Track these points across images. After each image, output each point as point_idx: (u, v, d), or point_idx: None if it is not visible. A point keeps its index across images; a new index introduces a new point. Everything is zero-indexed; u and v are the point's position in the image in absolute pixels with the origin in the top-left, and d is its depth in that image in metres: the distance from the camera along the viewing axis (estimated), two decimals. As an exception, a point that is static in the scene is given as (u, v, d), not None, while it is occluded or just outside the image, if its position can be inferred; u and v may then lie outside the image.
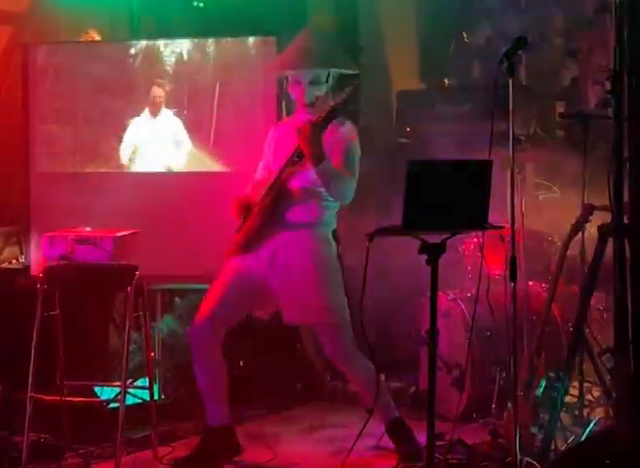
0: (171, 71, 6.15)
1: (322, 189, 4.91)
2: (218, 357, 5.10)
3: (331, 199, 4.97)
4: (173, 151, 6.19)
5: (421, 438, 4.45)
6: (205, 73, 6.12)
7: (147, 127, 6.23)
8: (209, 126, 6.12)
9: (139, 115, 6.21)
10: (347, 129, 4.97)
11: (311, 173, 4.84)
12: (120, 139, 6.21)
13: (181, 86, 6.16)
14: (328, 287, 4.94)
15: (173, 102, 6.17)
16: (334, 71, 5.01)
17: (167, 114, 6.20)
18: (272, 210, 4.96)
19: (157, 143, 6.22)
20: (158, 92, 6.21)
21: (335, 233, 5.06)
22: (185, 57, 6.13)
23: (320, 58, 4.97)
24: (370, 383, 5.01)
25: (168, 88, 6.18)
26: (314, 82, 4.97)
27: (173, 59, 6.14)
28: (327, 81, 5.00)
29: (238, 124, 6.06)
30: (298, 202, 4.97)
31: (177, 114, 6.18)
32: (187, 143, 6.17)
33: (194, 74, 6.13)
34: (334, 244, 5.02)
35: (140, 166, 6.24)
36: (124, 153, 6.24)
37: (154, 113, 6.22)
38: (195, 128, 6.15)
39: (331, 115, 4.74)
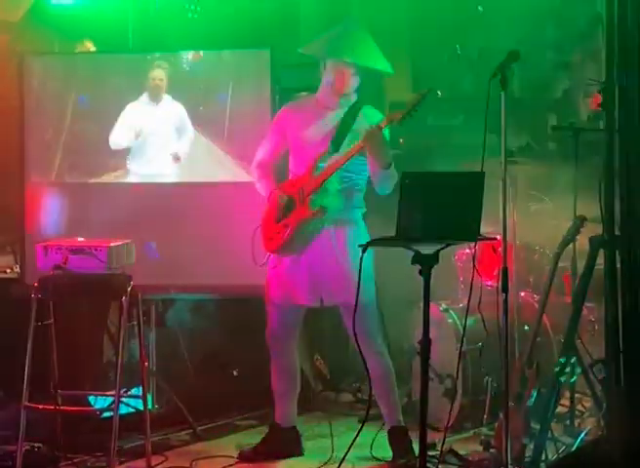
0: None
1: (354, 177, 5.09)
2: (293, 359, 5.34)
3: (360, 184, 5.14)
4: (177, 138, 6.16)
5: (415, 448, 4.46)
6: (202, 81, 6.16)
7: (150, 112, 6.18)
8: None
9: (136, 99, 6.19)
10: (378, 117, 5.10)
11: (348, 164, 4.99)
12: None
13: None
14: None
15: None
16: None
17: (168, 99, 6.17)
18: (314, 205, 5.06)
19: (162, 131, 6.18)
20: (158, 74, 6.18)
21: (364, 215, 5.21)
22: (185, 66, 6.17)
23: (372, 56, 5.14)
24: (385, 375, 5.17)
25: (168, 72, 6.16)
26: (356, 74, 5.13)
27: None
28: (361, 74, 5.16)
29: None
30: (336, 194, 5.09)
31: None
32: (191, 129, 6.14)
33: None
34: (364, 227, 5.18)
35: (143, 154, 6.18)
36: (123, 135, 6.19)
37: (155, 98, 6.17)
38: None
39: (403, 119, 4.84)
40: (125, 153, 6.19)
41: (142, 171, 6.20)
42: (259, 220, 5.30)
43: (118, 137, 6.19)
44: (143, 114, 6.18)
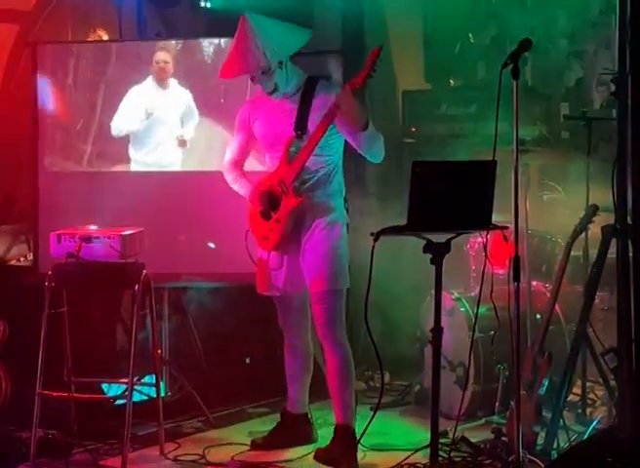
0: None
1: (328, 159, 5.02)
2: (304, 343, 5.31)
3: (336, 165, 5.07)
4: (185, 123, 6.16)
5: (426, 435, 4.48)
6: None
7: (156, 97, 6.16)
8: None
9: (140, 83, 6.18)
10: (335, 89, 5.02)
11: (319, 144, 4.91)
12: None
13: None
14: (336, 253, 5.03)
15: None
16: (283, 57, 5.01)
17: (175, 85, 6.15)
18: (298, 192, 5.00)
19: (168, 118, 6.16)
20: (163, 56, 6.14)
21: (346, 199, 5.15)
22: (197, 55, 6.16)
23: (259, 60, 4.94)
24: (341, 368, 5.03)
25: (174, 55, 6.13)
26: (265, 73, 4.98)
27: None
28: (283, 63, 4.99)
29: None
30: (317, 179, 5.03)
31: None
32: (196, 116, 6.13)
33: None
34: (345, 212, 5.12)
35: (148, 141, 6.19)
36: (127, 120, 6.19)
37: (162, 82, 6.14)
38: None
39: (368, 78, 4.74)
40: (127, 141, 6.20)
41: (147, 159, 6.20)
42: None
43: (121, 123, 6.19)
44: (150, 98, 6.16)
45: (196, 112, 6.14)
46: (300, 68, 5.11)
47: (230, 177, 5.32)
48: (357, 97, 4.78)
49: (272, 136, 5.12)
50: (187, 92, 6.14)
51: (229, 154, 5.33)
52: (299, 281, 5.11)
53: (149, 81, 6.16)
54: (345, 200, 5.15)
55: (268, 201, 5.08)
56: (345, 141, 5.07)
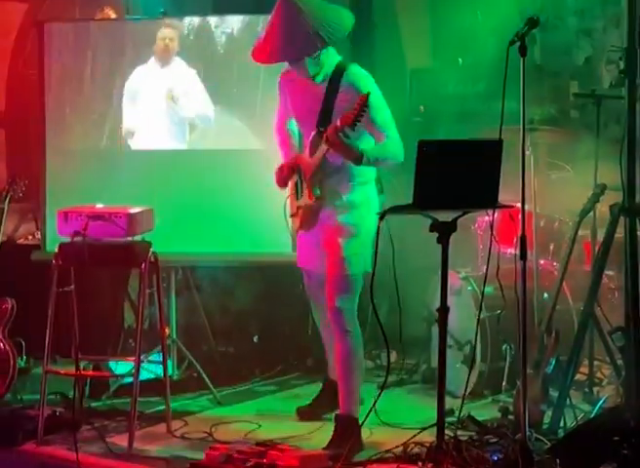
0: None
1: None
2: None
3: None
4: (183, 103, 6.10)
5: (433, 414, 4.48)
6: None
7: (154, 75, 6.09)
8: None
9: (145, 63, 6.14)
10: (363, 83, 4.89)
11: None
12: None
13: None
14: (354, 239, 4.97)
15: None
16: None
17: (180, 64, 6.09)
18: (315, 191, 4.98)
19: (162, 94, 6.09)
20: (168, 33, 6.07)
21: (379, 183, 5.10)
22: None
23: (308, 46, 4.82)
24: (350, 354, 4.98)
25: (179, 32, 6.06)
26: (315, 57, 4.86)
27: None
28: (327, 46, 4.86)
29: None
30: (336, 167, 4.95)
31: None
32: (203, 95, 6.07)
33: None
34: (376, 199, 5.07)
35: (135, 115, 6.15)
36: (133, 116, 6.18)
37: (163, 60, 6.08)
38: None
39: (355, 119, 4.60)
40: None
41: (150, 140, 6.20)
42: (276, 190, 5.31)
43: (129, 122, 6.17)
44: (147, 77, 6.10)
45: (200, 93, 6.07)
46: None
47: (277, 140, 5.34)
48: (344, 137, 4.68)
49: (300, 113, 5.10)
50: (193, 71, 6.07)
51: (275, 119, 5.34)
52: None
53: (151, 61, 6.10)
54: (378, 181, 5.08)
55: (298, 182, 5.11)
56: None
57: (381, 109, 4.87)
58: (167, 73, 6.11)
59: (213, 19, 6.09)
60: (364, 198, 5.03)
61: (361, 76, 4.94)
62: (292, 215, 5.20)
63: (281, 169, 5.16)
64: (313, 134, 4.96)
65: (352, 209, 5.00)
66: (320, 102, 4.95)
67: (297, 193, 5.14)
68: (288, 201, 5.24)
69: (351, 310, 5.00)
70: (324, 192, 4.98)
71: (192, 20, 6.11)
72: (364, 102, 4.57)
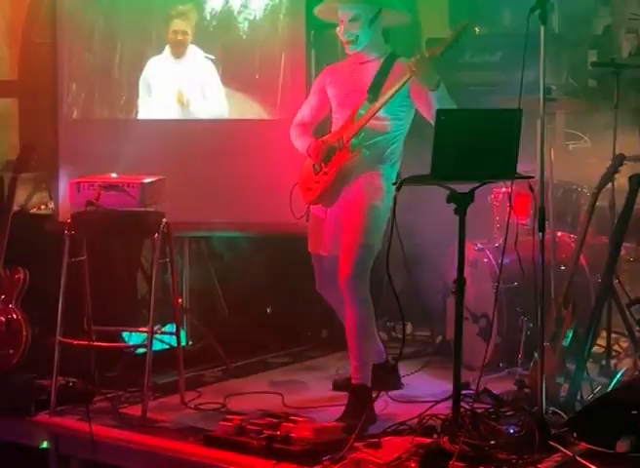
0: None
1: (392, 126, 4.98)
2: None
3: (397, 135, 5.02)
4: (199, 99, 6.09)
5: (449, 387, 4.45)
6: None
7: (170, 69, 6.06)
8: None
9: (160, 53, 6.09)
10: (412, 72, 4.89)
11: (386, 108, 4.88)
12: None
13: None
14: (373, 211, 4.94)
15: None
16: (382, 9, 5.00)
17: (195, 55, 6.05)
18: (353, 147, 4.97)
19: (179, 89, 6.07)
20: (180, 25, 6.02)
21: (399, 174, 5.05)
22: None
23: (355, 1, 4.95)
24: (362, 322, 4.94)
25: (194, 22, 6.00)
26: (354, 19, 4.98)
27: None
28: (374, 19, 4.99)
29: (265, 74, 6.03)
30: (374, 142, 4.98)
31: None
32: (218, 91, 6.04)
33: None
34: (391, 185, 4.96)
35: (154, 112, 6.14)
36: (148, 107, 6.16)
37: (177, 53, 6.04)
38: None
39: (447, 49, 4.71)
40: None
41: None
42: (291, 159, 5.26)
43: (144, 113, 6.13)
44: (163, 70, 6.06)
45: (218, 87, 6.02)
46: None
47: (294, 133, 5.26)
48: (432, 64, 4.75)
49: (343, 95, 5.09)
50: (209, 64, 6.02)
51: (298, 116, 5.30)
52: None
53: (166, 53, 6.05)
54: (398, 175, 5.02)
55: (325, 153, 5.05)
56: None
57: (441, 91, 4.87)
58: (181, 68, 6.07)
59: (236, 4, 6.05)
60: (391, 175, 5.00)
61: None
62: (308, 189, 5.13)
63: (311, 150, 5.11)
64: (360, 101, 4.97)
65: (380, 182, 4.97)
66: (369, 77, 5.00)
67: (317, 166, 5.08)
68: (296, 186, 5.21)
69: (364, 279, 4.96)
70: (361, 156, 4.95)
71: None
72: (458, 34, 4.66)
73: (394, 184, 4.33)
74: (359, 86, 5.04)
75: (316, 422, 4.65)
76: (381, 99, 4.90)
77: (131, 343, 5.87)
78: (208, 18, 6.07)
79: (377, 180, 4.98)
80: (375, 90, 4.97)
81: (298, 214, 5.20)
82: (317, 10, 5.22)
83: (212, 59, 6.02)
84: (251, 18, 6.04)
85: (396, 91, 4.85)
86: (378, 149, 5.00)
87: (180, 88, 6.07)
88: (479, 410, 4.62)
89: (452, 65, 6.94)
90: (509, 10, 7.21)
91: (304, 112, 5.29)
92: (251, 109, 6.05)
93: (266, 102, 5.97)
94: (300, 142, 5.24)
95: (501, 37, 6.95)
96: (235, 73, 6.06)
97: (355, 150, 4.96)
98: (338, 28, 5.08)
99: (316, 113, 5.27)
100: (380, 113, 4.92)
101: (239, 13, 6.04)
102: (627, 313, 5.02)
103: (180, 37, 6.03)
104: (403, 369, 5.43)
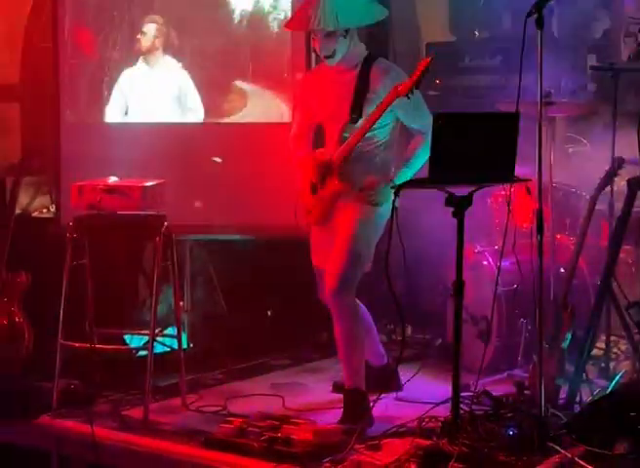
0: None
1: (377, 137, 4.93)
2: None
3: (384, 143, 4.97)
4: (174, 109, 6.10)
5: (448, 389, 4.47)
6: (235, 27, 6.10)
7: (143, 80, 6.05)
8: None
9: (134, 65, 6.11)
10: (390, 76, 4.89)
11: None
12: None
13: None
14: (365, 222, 4.94)
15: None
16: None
17: (169, 63, 6.06)
18: (342, 179, 4.95)
19: (154, 98, 6.08)
20: (151, 28, 6.04)
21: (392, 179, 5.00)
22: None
23: (328, 20, 4.82)
24: (350, 333, 4.93)
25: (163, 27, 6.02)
26: (328, 35, 4.88)
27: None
28: (347, 32, 4.90)
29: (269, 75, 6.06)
30: (360, 154, 4.94)
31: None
32: (193, 101, 6.05)
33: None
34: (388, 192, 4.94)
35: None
36: (112, 111, 6.17)
37: (149, 59, 6.04)
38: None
39: (413, 87, 4.66)
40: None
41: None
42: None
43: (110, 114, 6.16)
44: (135, 81, 6.08)
45: (194, 98, 6.05)
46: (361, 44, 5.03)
47: (291, 146, 5.25)
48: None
49: (328, 110, 5.03)
50: (184, 72, 6.04)
51: (293, 128, 5.27)
52: None
53: (140, 63, 6.07)
54: (391, 180, 4.93)
55: (319, 174, 5.03)
56: None
57: (416, 99, 4.82)
58: (157, 76, 6.09)
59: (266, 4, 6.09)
60: (386, 188, 4.94)
61: (390, 65, 5.01)
62: (308, 212, 5.13)
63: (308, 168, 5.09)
64: (343, 124, 4.91)
65: (373, 195, 4.93)
66: (350, 90, 4.92)
67: (314, 187, 5.06)
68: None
69: (350, 292, 4.93)
70: (351, 176, 4.93)
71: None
72: (424, 69, 4.62)
73: (392, 188, 4.35)
74: (341, 101, 4.95)
75: (317, 424, 4.68)
76: (365, 126, 4.83)
77: (132, 346, 5.89)
78: (239, 18, 6.12)
79: (369, 193, 4.93)
80: (356, 108, 4.89)
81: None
82: (286, 24, 5.16)
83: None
84: (281, 17, 6.07)
85: (378, 116, 4.80)
86: (365, 161, 4.94)
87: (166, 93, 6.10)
88: (478, 412, 4.64)
89: (451, 69, 6.98)
90: (509, 14, 7.22)
91: (294, 125, 5.26)
92: (277, 108, 6.07)
93: (291, 101, 5.99)
94: (296, 159, 5.23)
95: (501, 41, 6.96)
96: (265, 72, 6.09)
97: (344, 179, 4.92)
98: (312, 43, 5.03)
99: (305, 125, 5.22)
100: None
101: (268, 13, 6.09)
102: (626, 315, 5.03)
103: (150, 42, 6.02)
104: (403, 371, 5.44)
